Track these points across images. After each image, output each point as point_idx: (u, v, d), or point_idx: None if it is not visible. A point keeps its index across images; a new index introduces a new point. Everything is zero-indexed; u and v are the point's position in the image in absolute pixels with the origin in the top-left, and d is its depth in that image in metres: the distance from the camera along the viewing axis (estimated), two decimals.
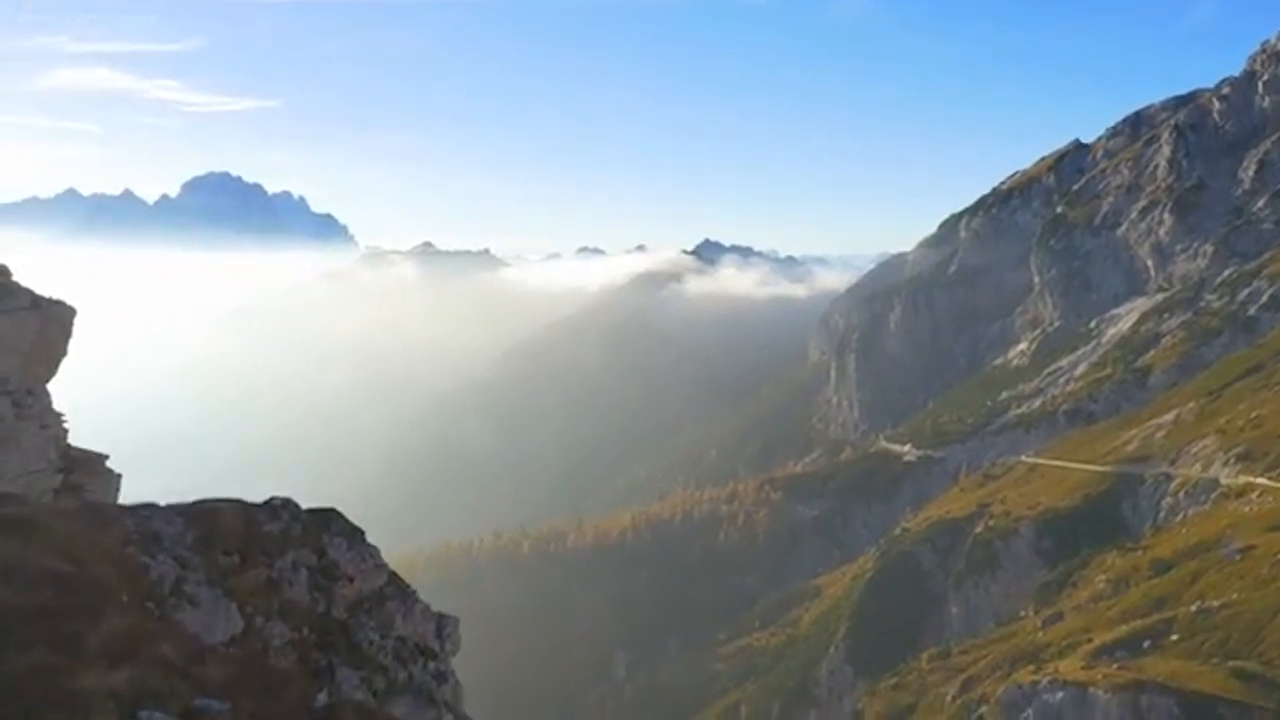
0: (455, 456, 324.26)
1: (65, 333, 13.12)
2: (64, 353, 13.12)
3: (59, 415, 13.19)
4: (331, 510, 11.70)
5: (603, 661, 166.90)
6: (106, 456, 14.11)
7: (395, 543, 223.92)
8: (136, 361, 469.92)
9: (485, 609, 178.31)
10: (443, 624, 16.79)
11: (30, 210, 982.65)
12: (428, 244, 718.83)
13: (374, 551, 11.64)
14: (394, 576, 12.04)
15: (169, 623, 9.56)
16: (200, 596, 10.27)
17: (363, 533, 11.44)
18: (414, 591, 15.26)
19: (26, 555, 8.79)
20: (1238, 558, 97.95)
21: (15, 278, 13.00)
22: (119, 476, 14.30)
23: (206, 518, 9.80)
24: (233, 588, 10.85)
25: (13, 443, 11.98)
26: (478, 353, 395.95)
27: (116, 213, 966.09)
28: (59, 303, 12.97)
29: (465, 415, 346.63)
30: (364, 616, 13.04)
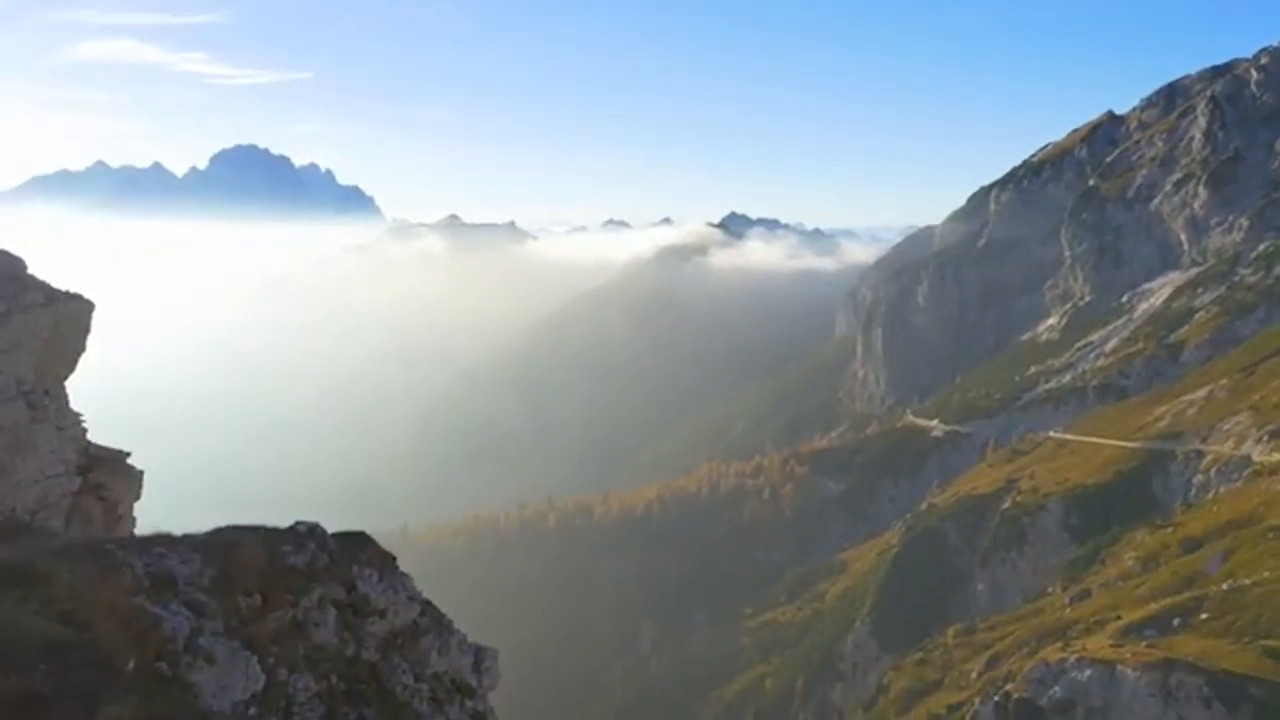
0: (481, 429, 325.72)
1: (83, 328, 12.63)
2: (82, 349, 12.65)
3: (77, 415, 12.76)
4: (361, 535, 10.81)
5: (628, 634, 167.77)
6: (128, 454, 13.75)
7: (421, 514, 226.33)
8: (164, 333, 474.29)
9: (511, 582, 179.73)
10: (481, 657, 15.65)
11: (61, 182, 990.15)
12: (454, 217, 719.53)
13: (407, 581, 10.72)
14: (428, 607, 11.08)
15: (181, 689, 8.73)
16: (217, 652, 9.45)
17: (394, 559, 10.61)
18: (449, 622, 14.38)
19: (21, 619, 8.06)
20: (1271, 536, 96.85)
21: (31, 271, 12.56)
22: (141, 474, 13.93)
23: (226, 552, 8.94)
24: (254, 635, 9.97)
25: (29, 447, 11.51)
26: (504, 325, 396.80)
27: (145, 185, 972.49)
28: (76, 297, 12.48)
29: (492, 388, 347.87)
30: (396, 656, 12.03)
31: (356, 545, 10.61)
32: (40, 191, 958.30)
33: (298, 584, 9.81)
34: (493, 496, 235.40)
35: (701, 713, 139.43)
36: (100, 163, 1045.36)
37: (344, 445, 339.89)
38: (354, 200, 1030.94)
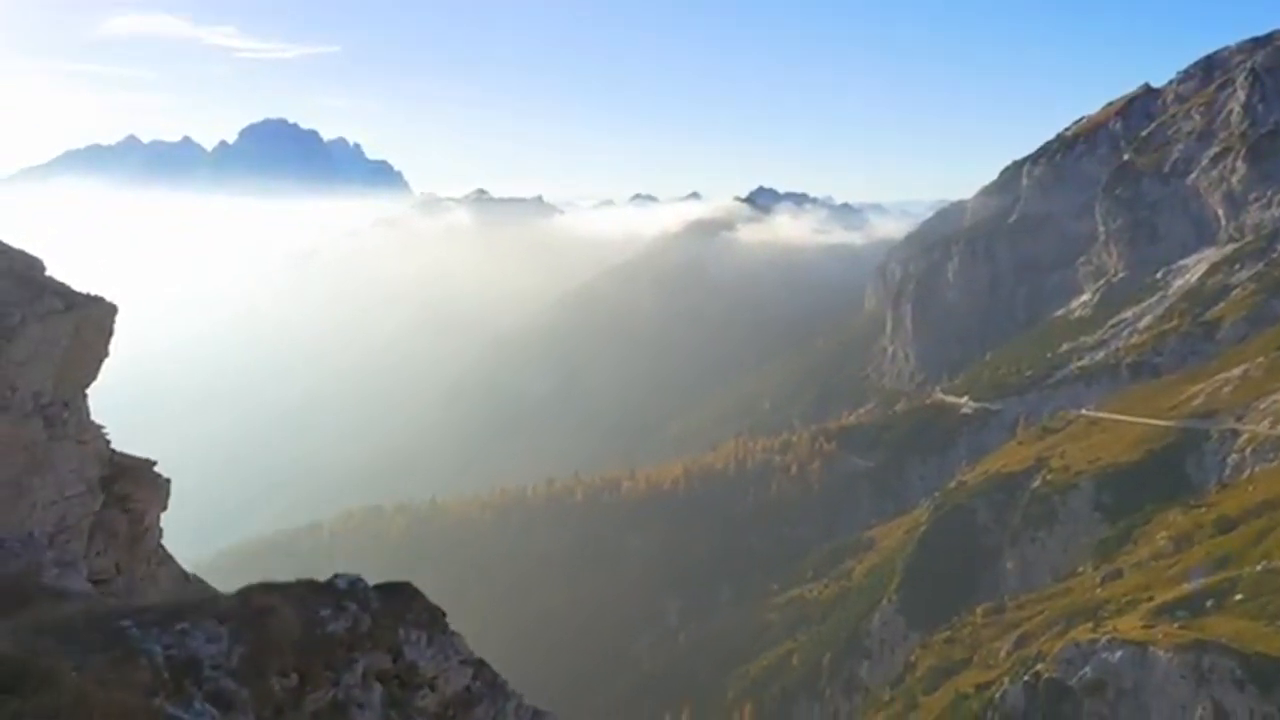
0: (509, 402, 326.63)
1: (105, 333, 11.78)
2: (104, 354, 11.83)
3: (99, 427, 12.09)
4: (405, 589, 9.19)
5: (655, 609, 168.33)
6: (154, 463, 13.15)
7: (449, 487, 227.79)
8: (194, 308, 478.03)
9: (538, 555, 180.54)
10: None
11: (93, 157, 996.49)
12: (481, 191, 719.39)
13: (458, 641, 8.93)
14: (481, 668, 9.15)
15: None
16: None
17: (443, 615, 9.15)
18: (504, 683, 12.53)
19: None
20: None
21: (53, 262, 11.85)
22: (168, 482, 13.30)
23: (257, 624, 7.25)
24: None
25: (47, 467, 10.61)
26: (531, 299, 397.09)
27: (175, 160, 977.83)
28: (96, 300, 11.70)
29: (519, 362, 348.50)
30: None
31: (401, 602, 8.88)
32: (72, 166, 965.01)
33: (338, 656, 8.11)
34: (520, 469, 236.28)
35: (728, 687, 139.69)
36: (131, 137, 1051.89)
37: (372, 418, 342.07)
38: (382, 174, 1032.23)
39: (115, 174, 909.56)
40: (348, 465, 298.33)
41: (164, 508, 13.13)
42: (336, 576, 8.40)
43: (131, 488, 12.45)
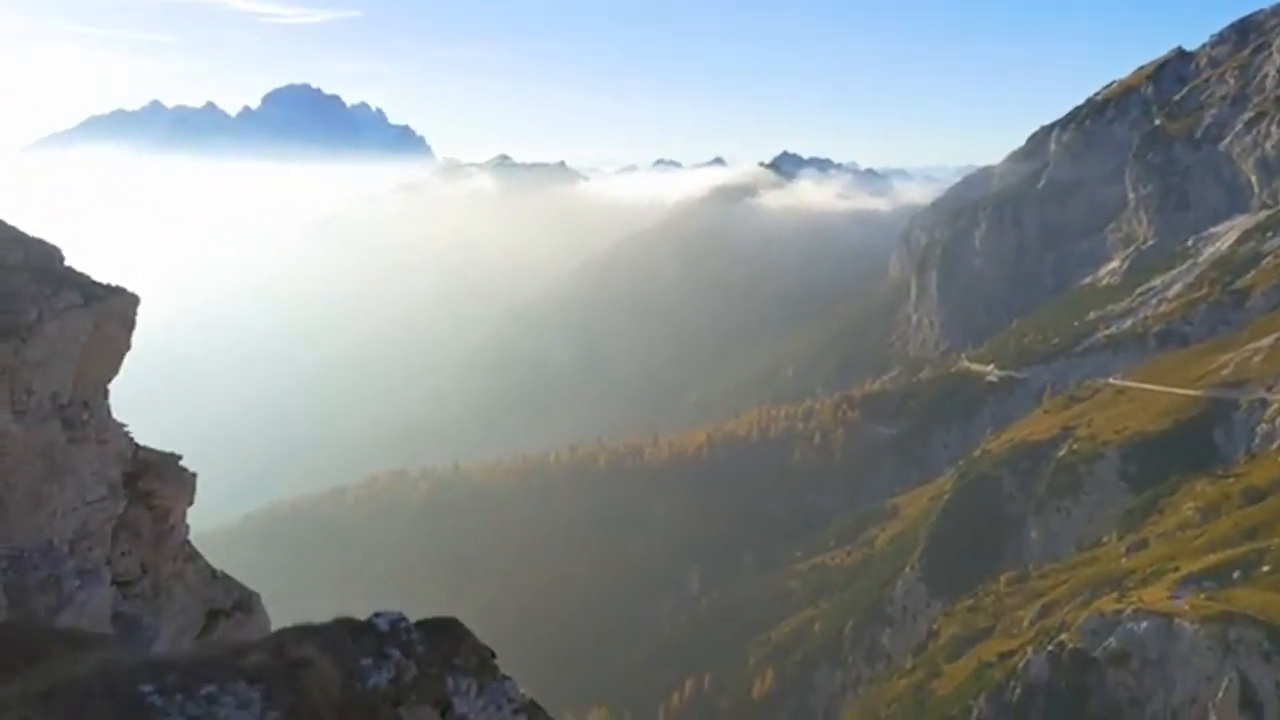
0: (531, 368, 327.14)
1: (127, 325, 11.18)
2: (126, 348, 11.23)
3: (120, 425, 11.57)
4: (452, 626, 7.56)
5: (676, 576, 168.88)
6: (179, 457, 12.65)
7: (471, 452, 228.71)
8: (216, 273, 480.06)
9: (560, 522, 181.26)
10: None
11: (118, 122, 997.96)
12: (504, 156, 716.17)
13: (510, 687, 7.46)
14: (535, 712, 7.61)
15: None
16: None
17: (493, 656, 7.64)
18: None
19: None
20: None
21: (69, 261, 11.11)
22: (194, 477, 12.75)
23: (291, 682, 5.97)
24: None
25: (67, 473, 10.10)
26: (554, 266, 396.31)
27: (199, 125, 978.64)
28: (118, 291, 11.05)
29: (541, 328, 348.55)
30: None
31: (449, 644, 7.34)
32: (97, 132, 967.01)
33: (383, 713, 6.64)
34: (541, 436, 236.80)
35: (749, 654, 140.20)
36: (156, 102, 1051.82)
37: (393, 384, 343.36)
38: (405, 140, 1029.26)
39: (139, 140, 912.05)
40: (370, 432, 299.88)
41: (190, 503, 12.64)
42: (377, 616, 7.06)
43: (156, 484, 11.93)
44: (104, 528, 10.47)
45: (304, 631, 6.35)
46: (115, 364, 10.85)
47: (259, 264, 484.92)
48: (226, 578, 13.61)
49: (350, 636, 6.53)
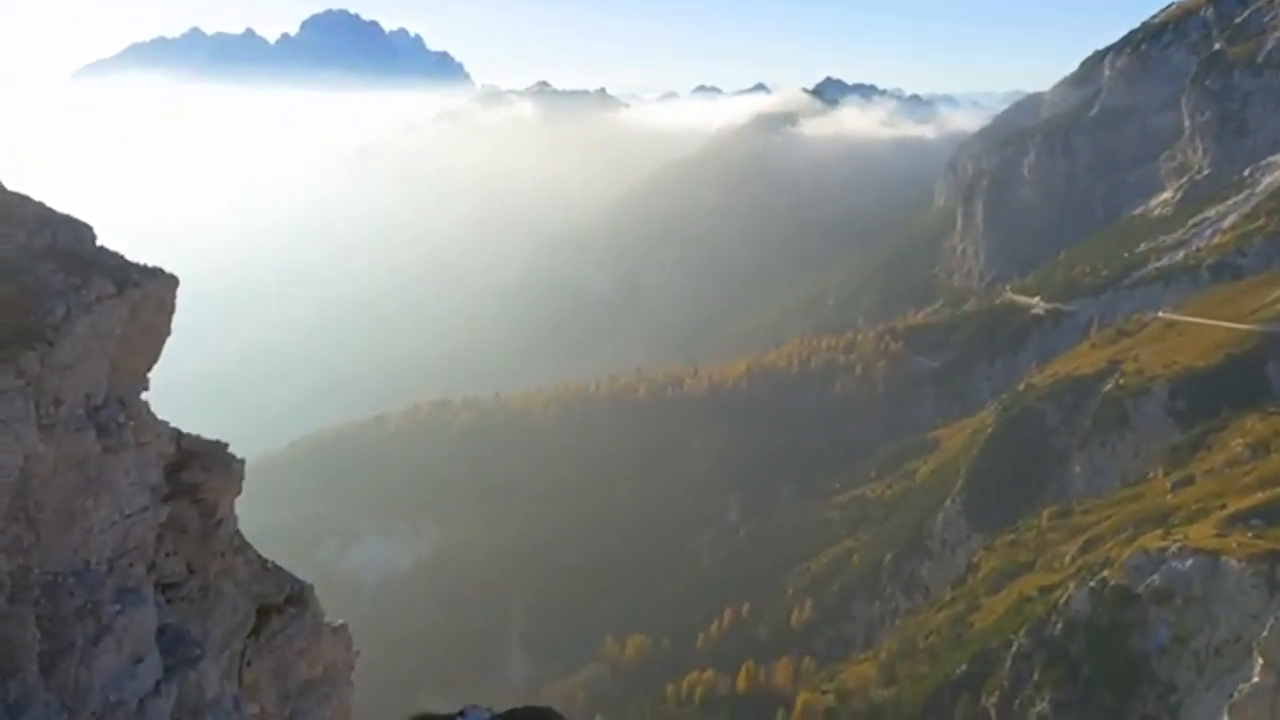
0: (571, 298, 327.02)
1: (165, 311, 9.95)
2: (166, 334, 10.05)
3: (161, 423, 10.49)
4: (546, 715, 6.80)
5: (716, 506, 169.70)
6: (226, 444, 11.77)
7: (510, 382, 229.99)
8: (255, 202, 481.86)
9: (600, 451, 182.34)
10: None
11: (159, 50, 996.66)
12: (544, 83, 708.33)
13: None
14: None
15: None
16: None
17: None
18: None
19: None
20: None
21: (101, 241, 9.82)
22: (242, 464, 11.82)
23: None
24: None
25: (102, 486, 9.23)
26: (594, 194, 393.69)
27: (238, 52, 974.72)
28: (154, 273, 9.84)
29: (582, 257, 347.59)
30: None
31: None
32: (138, 60, 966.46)
33: None
34: (581, 366, 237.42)
35: (787, 585, 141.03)
36: (196, 29, 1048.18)
37: (433, 313, 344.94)
38: (443, 66, 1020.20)
39: (180, 68, 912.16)
40: (409, 361, 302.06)
41: (238, 492, 11.77)
42: (467, 709, 6.34)
43: (201, 475, 11.07)
44: (145, 538, 9.67)
45: None
46: (154, 354, 9.81)
47: (296, 194, 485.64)
48: (278, 569, 13.08)
49: None
